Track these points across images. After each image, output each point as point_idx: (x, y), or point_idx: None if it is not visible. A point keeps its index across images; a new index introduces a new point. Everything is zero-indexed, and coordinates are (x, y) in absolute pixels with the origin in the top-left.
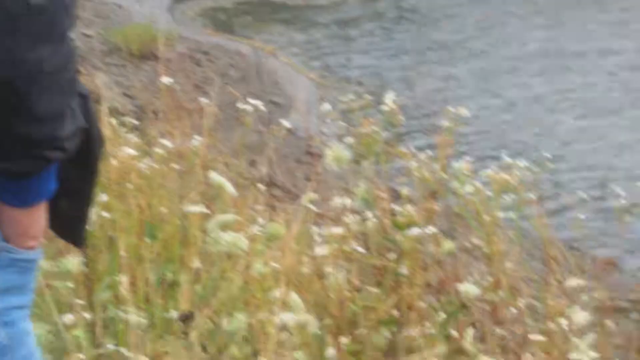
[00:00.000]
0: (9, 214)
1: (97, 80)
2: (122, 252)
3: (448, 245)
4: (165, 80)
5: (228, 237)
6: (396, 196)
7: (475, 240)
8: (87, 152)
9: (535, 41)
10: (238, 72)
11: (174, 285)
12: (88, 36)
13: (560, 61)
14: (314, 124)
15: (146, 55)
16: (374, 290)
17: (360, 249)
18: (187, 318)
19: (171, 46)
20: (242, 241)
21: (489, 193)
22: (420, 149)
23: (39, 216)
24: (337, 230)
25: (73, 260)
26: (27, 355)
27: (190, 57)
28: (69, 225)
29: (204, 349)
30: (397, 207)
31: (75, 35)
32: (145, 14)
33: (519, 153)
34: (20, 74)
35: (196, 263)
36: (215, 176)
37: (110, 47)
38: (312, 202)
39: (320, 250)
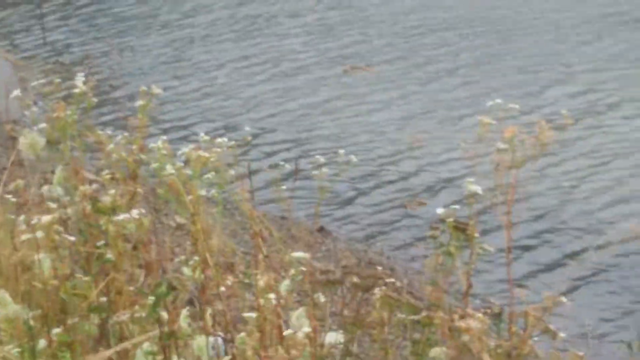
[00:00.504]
0: None
1: None
2: None
3: (146, 222)
4: None
5: None
6: (96, 181)
7: (180, 220)
8: None
9: (227, 8)
10: None
11: None
12: None
13: (254, 26)
14: (16, 108)
15: None
16: (83, 277)
17: (66, 237)
18: None
19: None
20: None
21: (189, 172)
22: (117, 129)
23: None
24: (43, 218)
25: None
26: None
27: None
28: None
29: None
30: (98, 192)
31: None
32: None
33: (220, 126)
34: None
35: None
36: None
37: None
38: (13, 190)
39: (24, 239)
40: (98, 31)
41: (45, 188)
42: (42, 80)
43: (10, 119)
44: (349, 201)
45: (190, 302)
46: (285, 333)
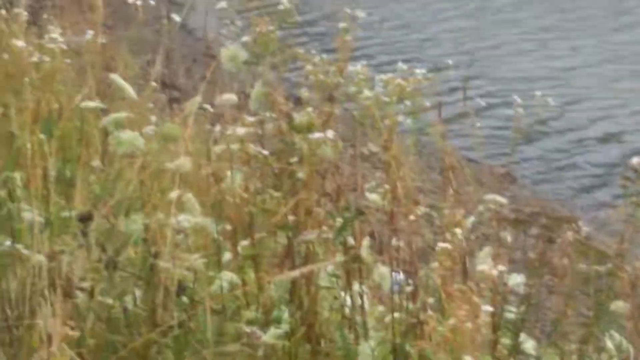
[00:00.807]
0: None
1: None
2: (18, 148)
3: (340, 146)
4: None
5: (125, 135)
6: (292, 98)
7: (373, 147)
8: None
9: None
10: None
11: (71, 183)
12: None
13: None
14: (213, 25)
15: None
16: (273, 193)
17: (260, 151)
18: (85, 218)
19: None
20: (139, 140)
21: (386, 99)
22: (317, 50)
23: None
24: (237, 130)
25: None
26: None
27: None
28: None
29: (102, 249)
30: (294, 110)
31: None
32: None
33: (415, 60)
34: None
35: (95, 162)
36: (116, 78)
37: None
38: (207, 102)
39: (218, 151)
40: None
41: (241, 101)
42: None
43: (207, 35)
44: (536, 145)
45: (370, 235)
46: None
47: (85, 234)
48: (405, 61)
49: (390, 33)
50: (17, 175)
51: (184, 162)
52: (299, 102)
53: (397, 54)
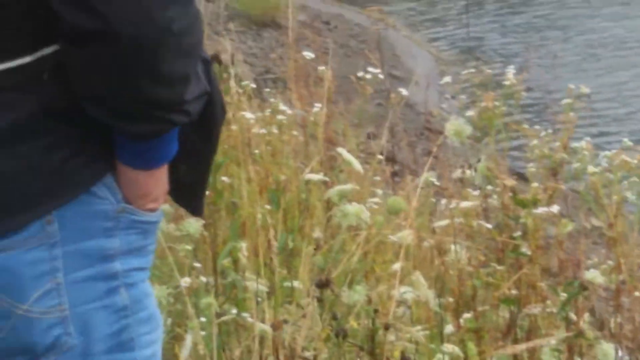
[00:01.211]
0: (129, 176)
1: (219, 46)
2: (244, 218)
3: (569, 226)
4: (287, 48)
5: (351, 207)
6: (516, 173)
7: (597, 222)
8: (209, 116)
9: None
10: (358, 43)
11: (293, 254)
12: (209, 1)
13: None
14: (434, 99)
15: (267, 23)
16: (497, 267)
17: (484, 224)
18: (323, 284)
19: (292, 14)
20: (364, 212)
21: (610, 175)
22: (540, 125)
23: (160, 178)
24: (463, 204)
25: (194, 224)
26: (148, 317)
27: (310, 26)
28: (187, 191)
29: (333, 317)
30: (517, 185)
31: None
32: None
33: (636, 133)
34: (149, 33)
35: (317, 233)
36: (342, 151)
37: (231, 13)
38: (432, 176)
39: (442, 224)
40: (530, 34)
41: (467, 174)
42: (466, 72)
43: (428, 109)
44: None
45: (590, 311)
46: None
47: (320, 300)
48: (628, 134)
49: (606, 105)
50: (243, 245)
51: (408, 235)
52: (522, 177)
53: (617, 126)
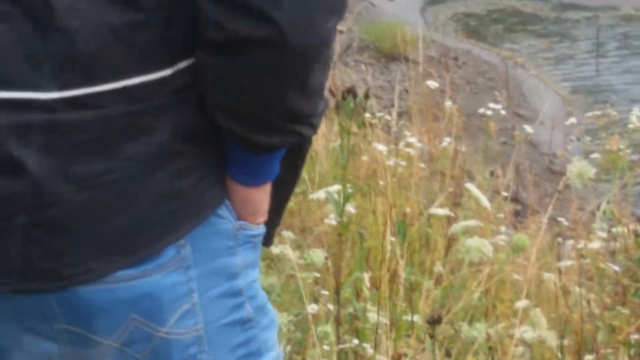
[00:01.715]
0: (243, 194)
1: (346, 76)
2: (368, 249)
3: None
4: (415, 82)
5: (473, 242)
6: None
7: None
8: (299, 143)
9: None
10: (485, 81)
11: (413, 287)
12: (340, 32)
13: None
14: (558, 140)
15: (395, 56)
16: (621, 310)
17: (611, 266)
18: (435, 321)
19: (421, 49)
20: (487, 247)
21: None
22: None
23: (268, 192)
24: (591, 245)
25: (318, 254)
26: (270, 321)
27: (438, 62)
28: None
29: (447, 354)
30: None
31: None
32: (397, 13)
33: None
34: (313, 43)
35: (438, 267)
36: (471, 187)
37: (359, 45)
38: (558, 216)
39: (566, 265)
40: None
41: (593, 216)
42: (591, 114)
43: (552, 150)
44: None
45: None
46: None
47: (432, 337)
48: None
49: None
50: (366, 276)
51: (531, 274)
52: None
53: None
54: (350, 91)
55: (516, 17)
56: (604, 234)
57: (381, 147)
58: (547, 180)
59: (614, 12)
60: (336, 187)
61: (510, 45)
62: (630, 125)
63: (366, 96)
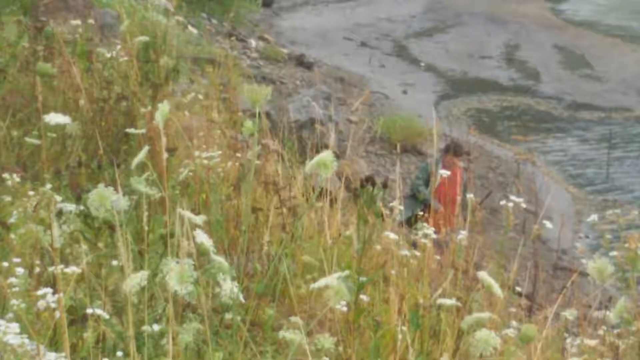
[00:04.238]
0: None
1: (357, 166)
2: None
3: None
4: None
5: (482, 334)
6: None
7: None
8: None
9: None
10: (496, 176)
11: None
12: (352, 122)
13: None
14: (567, 237)
15: (407, 148)
16: None
17: None
18: None
19: (433, 142)
20: (494, 339)
21: None
22: None
23: None
24: (591, 342)
25: (328, 339)
26: None
27: None
28: None
29: None
30: None
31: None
32: (411, 107)
33: None
34: None
35: (445, 358)
36: (484, 276)
37: (372, 136)
38: (565, 312)
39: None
40: None
41: (601, 314)
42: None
43: (561, 247)
44: None
45: None
46: None
47: None
48: None
49: None
50: None
51: None
52: None
53: None
54: (369, 180)
55: (529, 115)
56: (608, 331)
57: (392, 236)
58: (554, 277)
59: (627, 113)
60: (345, 273)
61: (523, 141)
62: None
63: (384, 185)
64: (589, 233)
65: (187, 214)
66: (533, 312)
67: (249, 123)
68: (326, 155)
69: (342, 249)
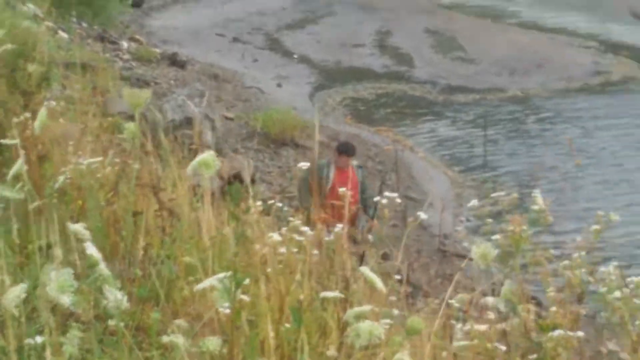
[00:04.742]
0: None
1: (236, 162)
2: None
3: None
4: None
5: (365, 325)
6: (536, 299)
7: (612, 346)
8: None
9: None
10: (375, 164)
11: None
12: (229, 118)
13: None
14: (448, 222)
15: (284, 142)
16: None
17: (502, 347)
18: None
19: (310, 134)
20: (378, 330)
21: (638, 301)
22: (564, 248)
23: None
24: (480, 327)
25: (214, 341)
26: None
27: (328, 147)
28: None
29: None
30: (540, 309)
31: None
32: (286, 100)
33: None
34: None
35: (332, 351)
36: (365, 271)
37: (249, 131)
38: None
39: (460, 346)
40: (547, 159)
41: (487, 299)
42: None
43: (442, 232)
44: None
45: None
46: None
47: None
48: None
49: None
50: None
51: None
52: (536, 300)
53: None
54: (237, 177)
55: (404, 101)
56: (494, 316)
57: (274, 235)
58: (439, 262)
59: (501, 93)
60: (223, 275)
61: (400, 128)
62: (535, 207)
63: (252, 181)
64: (470, 216)
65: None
66: (418, 299)
67: (130, 126)
68: (208, 155)
69: (224, 248)
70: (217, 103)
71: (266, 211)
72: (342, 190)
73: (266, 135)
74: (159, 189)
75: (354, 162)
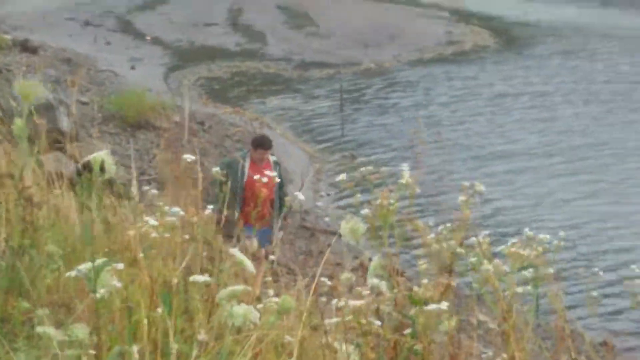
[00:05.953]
0: None
1: (92, 147)
2: (136, 321)
3: (453, 321)
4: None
5: (240, 309)
6: (408, 272)
7: (482, 317)
8: None
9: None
10: (234, 143)
11: (181, 357)
12: (84, 103)
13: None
14: (309, 197)
15: (141, 124)
16: None
17: (374, 322)
18: None
19: (167, 115)
20: (253, 314)
21: (507, 269)
22: (432, 222)
23: None
24: (352, 303)
25: (82, 329)
26: None
27: (183, 127)
28: None
29: None
30: (411, 282)
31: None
32: (141, 81)
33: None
34: None
35: (202, 336)
36: (235, 252)
37: (105, 115)
38: (321, 275)
39: (331, 323)
40: (401, 129)
41: (355, 275)
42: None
43: (303, 207)
44: None
45: None
46: None
47: None
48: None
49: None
50: (135, 348)
51: (299, 334)
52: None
53: (513, 218)
54: (87, 167)
55: (259, 79)
56: (367, 292)
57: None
58: (301, 238)
59: (356, 67)
60: (89, 264)
61: (256, 105)
62: (402, 181)
63: (102, 169)
64: (329, 190)
65: None
66: (280, 275)
67: (19, 121)
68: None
69: (90, 235)
70: (72, 88)
71: (125, 195)
72: (256, 177)
73: (122, 118)
74: (16, 177)
75: (272, 157)
